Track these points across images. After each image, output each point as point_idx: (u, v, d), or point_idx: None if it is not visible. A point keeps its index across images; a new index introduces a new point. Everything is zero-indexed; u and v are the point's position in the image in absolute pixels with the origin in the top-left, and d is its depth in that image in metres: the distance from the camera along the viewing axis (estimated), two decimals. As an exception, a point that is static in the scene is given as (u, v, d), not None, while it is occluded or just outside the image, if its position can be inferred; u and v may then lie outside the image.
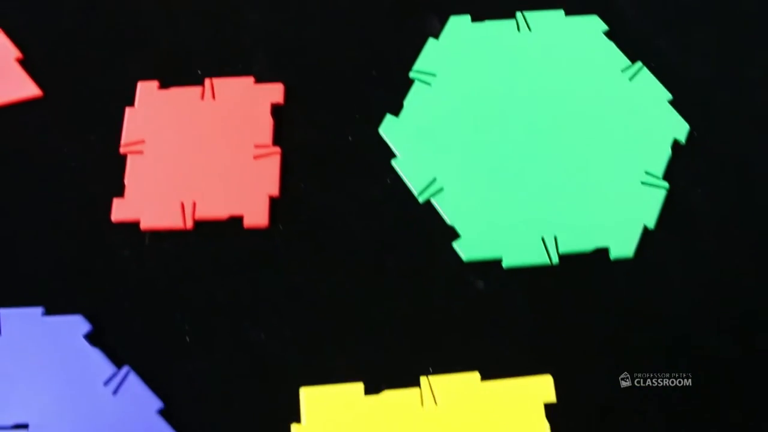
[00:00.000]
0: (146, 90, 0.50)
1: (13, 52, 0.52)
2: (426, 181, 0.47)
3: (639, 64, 0.50)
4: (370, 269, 0.46)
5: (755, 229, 0.47)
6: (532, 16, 0.52)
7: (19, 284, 0.45)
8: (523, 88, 0.50)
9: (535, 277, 0.45)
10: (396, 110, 0.49)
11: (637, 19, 0.53)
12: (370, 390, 0.42)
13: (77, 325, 0.44)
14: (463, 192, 0.46)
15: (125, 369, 0.43)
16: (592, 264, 0.45)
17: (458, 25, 0.52)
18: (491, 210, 0.46)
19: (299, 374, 0.43)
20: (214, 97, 0.49)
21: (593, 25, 0.52)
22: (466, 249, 0.45)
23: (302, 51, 0.52)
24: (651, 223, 0.46)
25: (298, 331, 0.44)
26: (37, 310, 0.44)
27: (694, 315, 0.44)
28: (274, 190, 0.47)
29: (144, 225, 0.46)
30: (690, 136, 0.48)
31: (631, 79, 0.50)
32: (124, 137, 0.48)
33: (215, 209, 0.46)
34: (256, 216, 0.46)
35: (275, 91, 0.50)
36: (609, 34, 0.52)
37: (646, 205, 0.46)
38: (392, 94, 0.50)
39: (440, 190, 0.46)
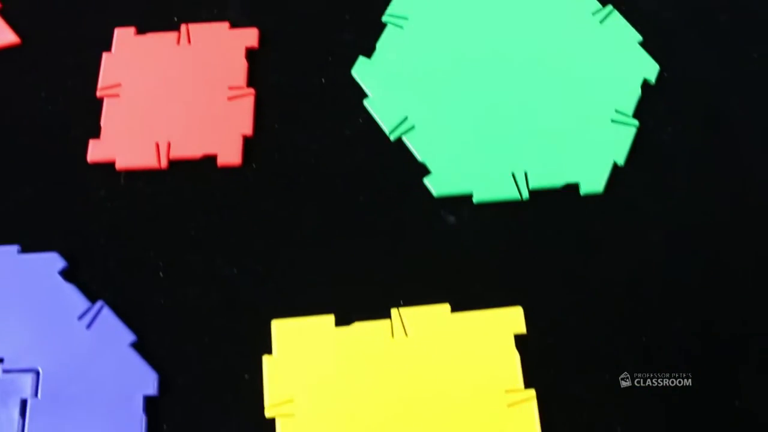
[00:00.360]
0: (123, 36, 0.49)
1: (-9, 2, 0.51)
2: (397, 120, 0.46)
3: (610, 7, 0.50)
4: (342, 206, 0.45)
5: (724, 167, 0.46)
6: (505, -39, 0.52)
7: (-5, 223, 0.45)
8: (495, 30, 0.49)
9: (505, 213, 0.44)
10: (369, 53, 0.48)
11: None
12: (341, 322, 0.42)
13: (52, 261, 0.43)
14: (434, 130, 0.46)
15: (99, 304, 0.42)
16: (562, 199, 0.45)
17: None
18: (462, 147, 0.45)
19: (271, 308, 0.42)
20: (189, 42, 0.49)
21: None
22: (437, 184, 0.44)
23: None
24: (621, 160, 0.45)
25: (270, 266, 0.43)
26: (13, 248, 0.44)
27: (663, 249, 0.44)
28: (248, 130, 0.46)
29: (119, 165, 0.45)
30: (660, 76, 0.48)
31: (602, 21, 0.49)
32: (101, 81, 0.48)
33: (189, 149, 0.46)
34: (230, 155, 0.45)
35: (250, 36, 0.49)
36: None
37: (616, 143, 0.45)
38: (365, 37, 0.49)
39: (411, 128, 0.46)
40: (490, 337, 0.41)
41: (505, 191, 0.44)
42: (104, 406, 0.40)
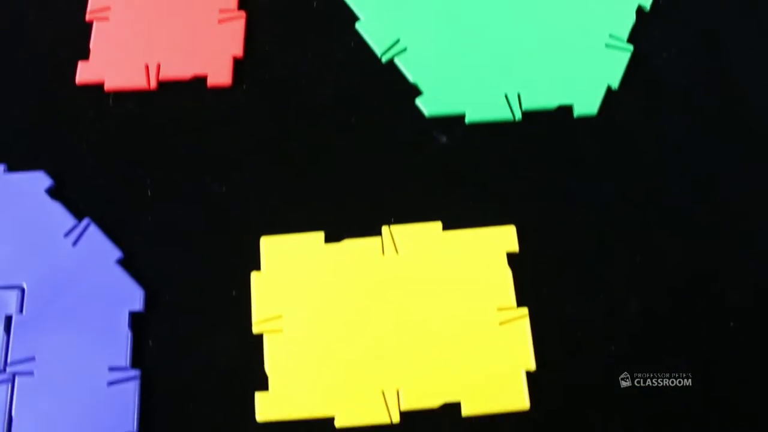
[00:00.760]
0: (113, -40, 0.48)
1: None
2: (389, 42, 0.44)
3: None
4: (333, 126, 0.43)
5: (718, 92, 0.44)
6: None
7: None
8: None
9: (498, 133, 0.42)
10: (360, -24, 0.47)
11: None
12: (331, 240, 0.40)
13: (39, 180, 0.42)
14: (427, 51, 0.44)
15: (86, 221, 0.41)
16: (555, 121, 0.43)
17: None
18: (454, 67, 0.43)
19: (260, 226, 0.40)
20: (179, -35, 0.47)
21: None
22: (429, 104, 0.43)
23: None
24: (615, 84, 0.43)
25: (260, 185, 0.42)
26: (-1, 167, 0.42)
27: (655, 172, 0.42)
28: (238, 51, 0.44)
29: (108, 86, 0.44)
30: (655, 1, 0.46)
31: (597, -52, 0.47)
32: (90, 4, 0.46)
33: (179, 69, 0.44)
34: (220, 75, 0.44)
35: (241, -41, 0.47)
36: None
37: (611, 66, 0.44)
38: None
39: (403, 50, 0.44)
40: (483, 254, 0.40)
41: (498, 112, 0.42)
42: (89, 322, 0.39)
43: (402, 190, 0.41)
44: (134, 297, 0.39)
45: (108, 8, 0.45)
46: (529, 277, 0.39)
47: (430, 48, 0.44)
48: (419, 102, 0.43)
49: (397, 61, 0.44)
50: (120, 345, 0.38)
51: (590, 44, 0.44)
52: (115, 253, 0.40)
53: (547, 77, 0.43)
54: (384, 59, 0.44)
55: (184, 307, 0.39)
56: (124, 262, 0.40)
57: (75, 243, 0.40)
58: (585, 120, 0.43)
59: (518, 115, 0.42)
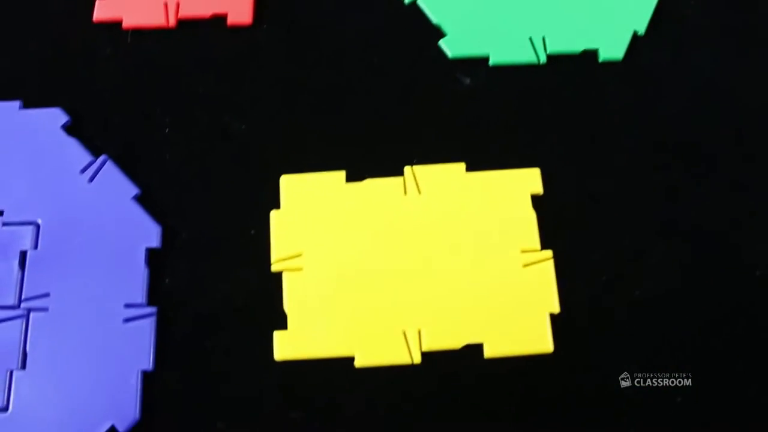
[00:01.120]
0: None
1: None
2: (412, -18, 0.42)
3: None
4: (355, 67, 0.41)
5: (746, 39, 0.42)
6: None
7: (-1, 80, 0.41)
8: None
9: (522, 76, 0.41)
10: None
11: None
12: (352, 180, 0.38)
13: (55, 116, 0.40)
14: (451, -7, 0.42)
15: (102, 158, 0.39)
16: (580, 65, 0.41)
17: None
18: (479, 9, 0.41)
19: (280, 164, 0.38)
20: None
21: None
22: (452, 46, 0.41)
23: None
24: (641, 29, 0.41)
25: (280, 124, 0.40)
26: (15, 104, 0.40)
27: (680, 117, 0.40)
28: (259, -11, 0.43)
29: (126, 23, 0.42)
30: (684, -51, 0.44)
31: None
32: (109, -56, 0.44)
33: (199, 7, 0.42)
34: (240, 14, 0.42)
35: None
36: None
37: (638, 11, 0.42)
38: None
39: (427, -9, 0.42)
40: (507, 196, 0.38)
41: (523, 54, 0.40)
42: (105, 259, 0.37)
43: (424, 132, 0.39)
44: (151, 234, 0.37)
45: (126, -53, 0.44)
46: (553, 220, 0.37)
47: (455, -10, 0.42)
48: (443, 43, 0.41)
49: (421, 2, 0.42)
50: (136, 282, 0.36)
51: (617, -11, 0.42)
52: (132, 190, 0.38)
53: (573, 21, 0.41)
54: (407, 0, 0.42)
55: (202, 244, 0.37)
56: (141, 199, 0.38)
57: (91, 179, 0.38)
58: (610, 65, 0.41)
59: (543, 59, 0.40)
